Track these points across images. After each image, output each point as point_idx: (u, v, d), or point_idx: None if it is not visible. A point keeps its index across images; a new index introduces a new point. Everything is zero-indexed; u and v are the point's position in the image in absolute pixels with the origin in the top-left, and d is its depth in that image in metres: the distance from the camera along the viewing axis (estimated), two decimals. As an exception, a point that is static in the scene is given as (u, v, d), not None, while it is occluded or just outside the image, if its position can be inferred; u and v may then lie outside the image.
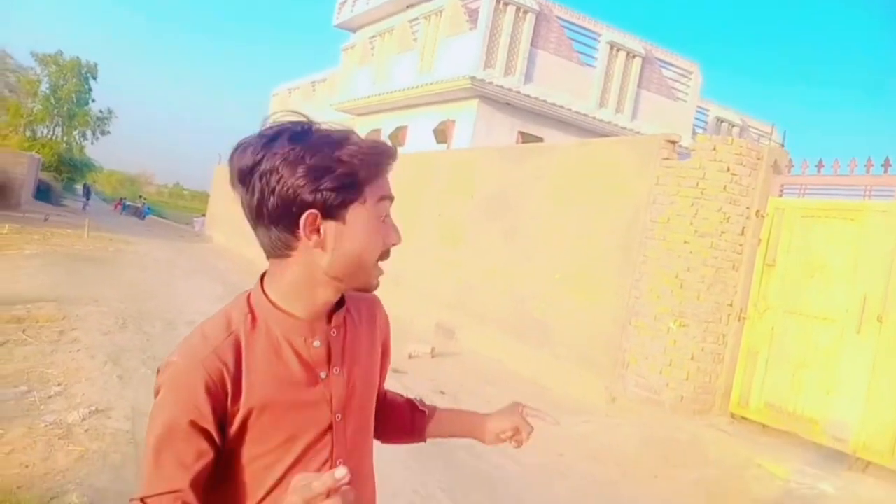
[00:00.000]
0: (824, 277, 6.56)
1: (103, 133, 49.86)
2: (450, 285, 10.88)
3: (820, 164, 6.83)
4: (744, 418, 7.09)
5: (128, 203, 50.10)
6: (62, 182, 47.66)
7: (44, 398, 5.31)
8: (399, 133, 17.60)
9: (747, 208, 7.22)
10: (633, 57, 16.82)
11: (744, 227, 7.22)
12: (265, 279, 1.25)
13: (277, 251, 1.19)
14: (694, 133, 16.82)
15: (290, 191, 1.12)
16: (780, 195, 7.17)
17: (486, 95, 14.93)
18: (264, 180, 1.13)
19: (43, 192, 36.93)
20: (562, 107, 15.46)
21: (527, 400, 1.75)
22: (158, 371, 1.16)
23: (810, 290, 6.66)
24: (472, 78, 14.43)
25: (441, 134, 15.10)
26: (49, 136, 47.10)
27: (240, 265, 19.04)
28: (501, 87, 14.72)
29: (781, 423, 6.71)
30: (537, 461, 5.68)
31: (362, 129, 19.62)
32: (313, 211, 1.13)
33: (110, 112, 50.06)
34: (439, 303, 11.00)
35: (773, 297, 7.01)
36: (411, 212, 12.51)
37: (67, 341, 7.21)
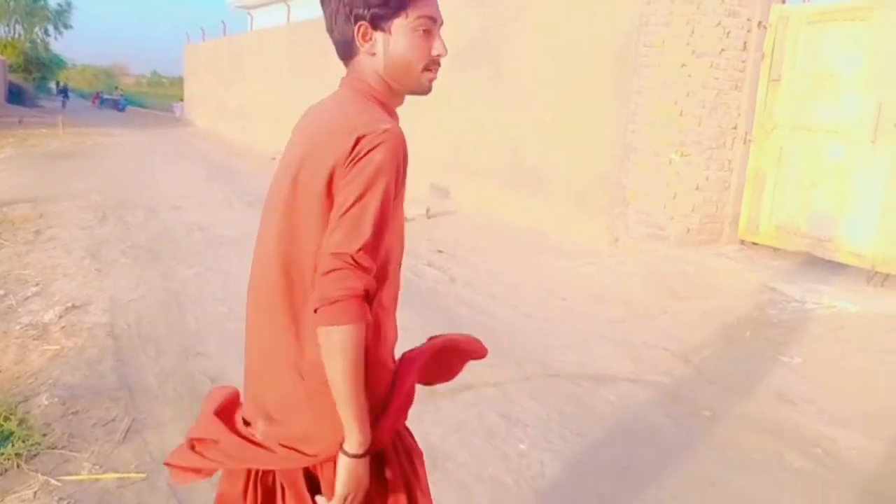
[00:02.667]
0: (835, 88, 6.07)
1: (66, 27, 47.52)
2: (440, 144, 10.39)
3: (828, -40, 6.17)
4: (754, 244, 6.84)
5: (105, 97, 48.41)
6: (34, 83, 45.90)
7: (21, 300, 5.03)
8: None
9: (748, 20, 6.61)
10: None
11: (745, 42, 6.64)
12: (346, 84, 1.44)
13: (345, 55, 1.43)
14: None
15: (348, 7, 1.35)
16: (784, 2, 6.54)
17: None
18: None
19: (15, 95, 35.57)
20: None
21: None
22: (364, 136, 1.26)
23: (820, 104, 6.19)
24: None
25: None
26: (9, 36, 44.90)
27: (222, 146, 18.48)
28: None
29: (794, 244, 6.44)
30: (540, 308, 5.47)
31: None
32: (363, 23, 1.36)
33: (69, 4, 47.48)
34: (431, 163, 10.55)
35: (779, 115, 6.54)
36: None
37: (44, 240, 6.88)
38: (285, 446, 1.33)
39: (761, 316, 5.35)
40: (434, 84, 1.46)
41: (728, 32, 6.55)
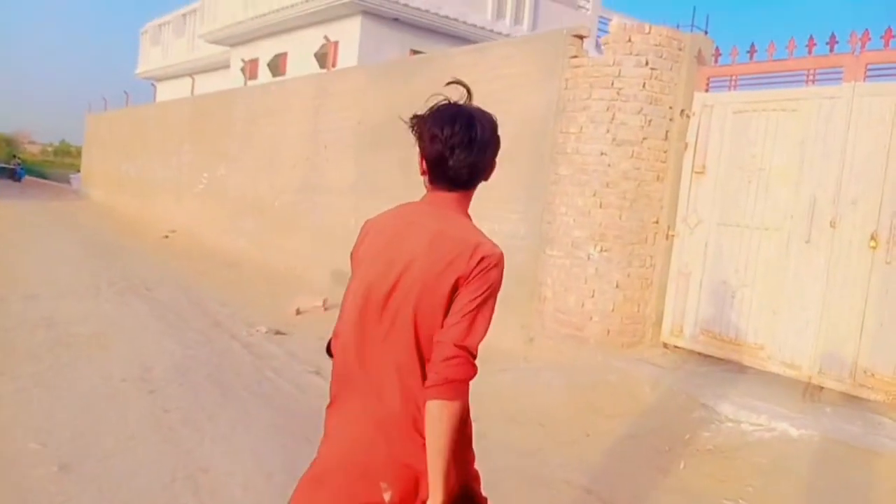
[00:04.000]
0: (764, 182, 5.64)
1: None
2: (346, 225, 9.59)
3: (752, 50, 5.84)
4: (678, 348, 6.24)
5: (1, 165, 45.73)
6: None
7: None
8: (279, 61, 15.80)
9: (670, 108, 6.20)
10: (530, -37, 15.49)
11: (667, 131, 6.21)
12: (452, 202, 1.77)
13: (469, 188, 1.80)
14: (597, 45, 15.68)
15: (492, 155, 1.79)
16: (707, 90, 6.17)
17: (371, 10, 13.36)
18: (493, 144, 1.78)
19: None
20: (455, 20, 14.06)
21: None
22: (486, 256, 1.64)
23: (748, 198, 5.74)
24: (354, -9, 12.79)
25: (323, 58, 13.47)
26: None
27: (113, 221, 17.12)
28: (387, -1, 13.17)
29: (722, 350, 5.87)
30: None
31: (238, 59, 17.65)
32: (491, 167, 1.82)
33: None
34: (335, 246, 9.73)
35: (704, 209, 6.07)
36: (290, 145, 11.05)
37: None
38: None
39: (694, 439, 4.66)
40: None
41: (649, 120, 6.10)
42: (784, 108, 5.53)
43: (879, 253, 4.94)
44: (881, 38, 4.97)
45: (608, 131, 6.16)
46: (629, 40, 6.10)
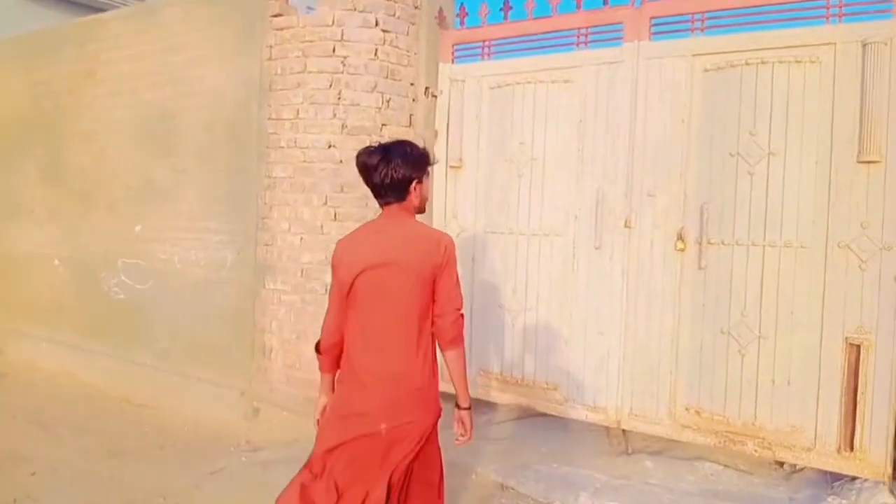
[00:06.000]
0: (538, 175, 4.41)
1: None
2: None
3: (507, 7, 4.56)
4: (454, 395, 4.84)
5: None
6: None
7: None
8: None
9: (412, 85, 4.76)
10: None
11: (411, 115, 4.77)
12: (397, 211, 2.39)
13: (401, 199, 2.38)
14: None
15: (407, 173, 2.34)
16: (453, 61, 4.82)
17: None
18: (392, 168, 2.32)
19: None
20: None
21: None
22: (447, 246, 2.37)
23: (521, 197, 4.50)
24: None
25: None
26: None
27: None
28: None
29: (508, 395, 4.59)
30: None
31: None
32: (415, 181, 2.38)
33: None
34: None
35: (466, 214, 4.73)
36: None
37: None
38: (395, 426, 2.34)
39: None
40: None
41: (388, 100, 4.60)
42: (555, 80, 4.32)
43: (689, 256, 3.90)
44: (669, -17, 3.93)
45: (335, 115, 4.55)
46: (352, -8, 4.52)
